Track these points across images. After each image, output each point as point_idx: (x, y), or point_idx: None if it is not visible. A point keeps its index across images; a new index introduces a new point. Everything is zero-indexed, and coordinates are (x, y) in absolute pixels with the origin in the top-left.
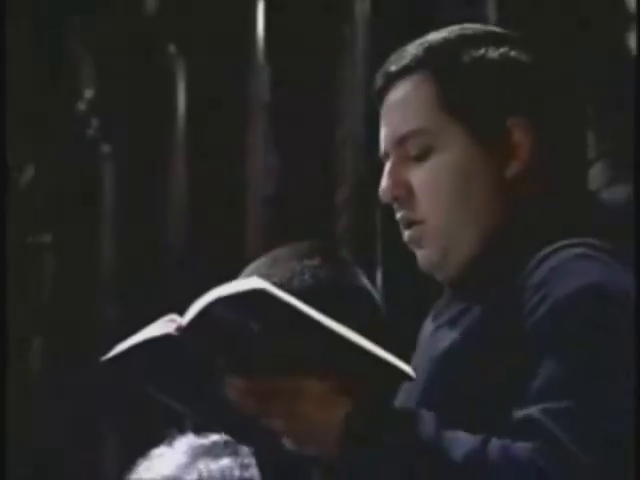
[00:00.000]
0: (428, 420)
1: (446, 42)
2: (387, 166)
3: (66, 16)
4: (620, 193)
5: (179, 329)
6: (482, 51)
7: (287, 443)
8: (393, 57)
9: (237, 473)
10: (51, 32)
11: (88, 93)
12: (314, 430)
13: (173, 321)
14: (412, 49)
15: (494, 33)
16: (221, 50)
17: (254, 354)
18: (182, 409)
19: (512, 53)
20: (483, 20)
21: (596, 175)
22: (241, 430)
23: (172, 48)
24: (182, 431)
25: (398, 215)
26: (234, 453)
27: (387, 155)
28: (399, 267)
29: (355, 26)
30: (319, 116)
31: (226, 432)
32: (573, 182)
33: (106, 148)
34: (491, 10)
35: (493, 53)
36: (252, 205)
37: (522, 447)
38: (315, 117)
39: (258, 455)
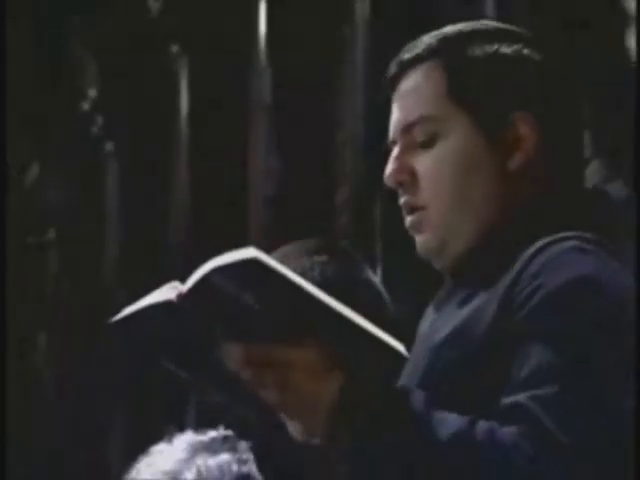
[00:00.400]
0: (418, 399)
1: (460, 35)
2: (393, 152)
3: (67, 16)
4: (617, 191)
5: (180, 296)
6: (495, 46)
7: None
8: (408, 46)
9: (235, 468)
10: (52, 32)
11: (92, 92)
12: (305, 402)
13: (175, 288)
14: (427, 39)
15: (509, 31)
16: (223, 51)
17: (250, 323)
18: (183, 376)
19: (525, 51)
20: (482, 19)
21: (593, 173)
22: (240, 399)
23: (174, 48)
24: (181, 428)
25: (401, 200)
26: (232, 449)
27: (395, 142)
28: (398, 265)
29: (355, 27)
30: (320, 117)
31: (226, 400)
32: (573, 180)
33: (109, 146)
34: (490, 9)
35: (506, 49)
36: (253, 205)
37: (508, 431)
38: (315, 118)
39: (256, 450)
